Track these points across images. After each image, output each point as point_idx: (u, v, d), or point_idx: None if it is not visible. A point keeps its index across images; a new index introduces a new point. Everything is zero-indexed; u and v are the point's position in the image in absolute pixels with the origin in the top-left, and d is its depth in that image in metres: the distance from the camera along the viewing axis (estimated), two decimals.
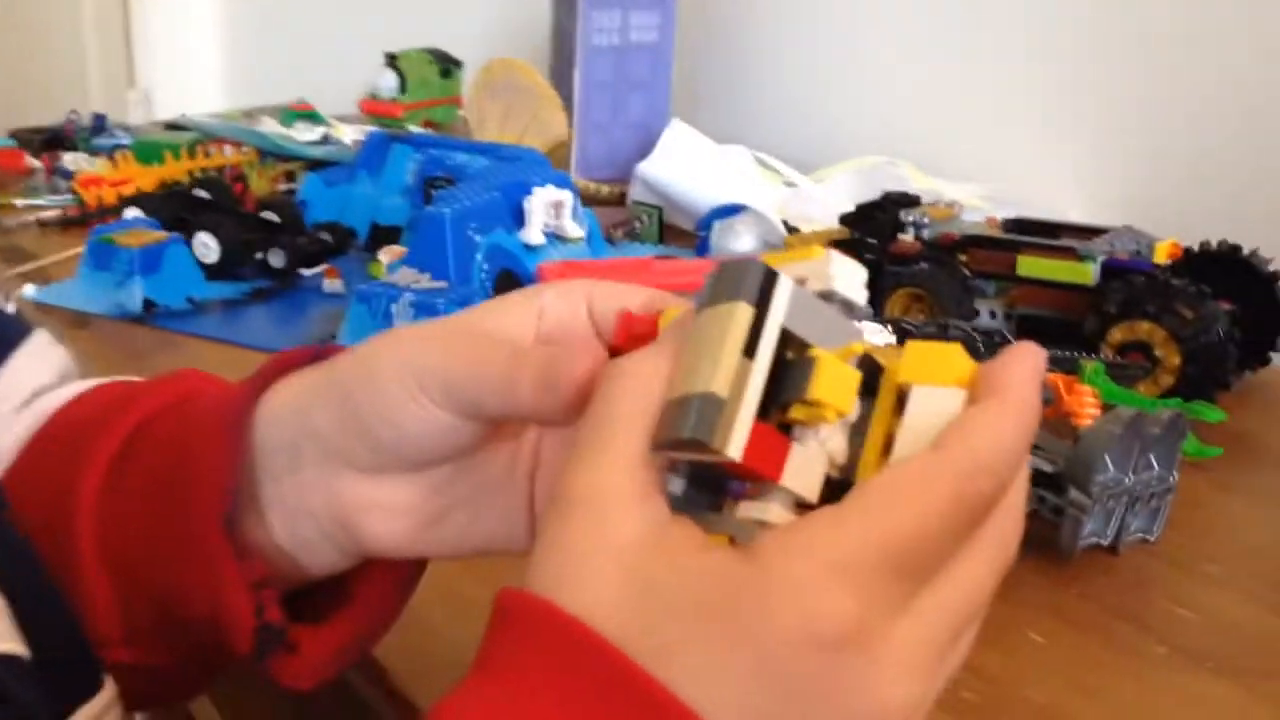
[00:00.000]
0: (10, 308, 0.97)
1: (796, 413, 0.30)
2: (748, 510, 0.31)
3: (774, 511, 0.30)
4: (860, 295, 0.33)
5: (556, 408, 0.36)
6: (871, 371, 0.32)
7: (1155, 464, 0.62)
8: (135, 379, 0.52)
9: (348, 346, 0.43)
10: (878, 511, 0.29)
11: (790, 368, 0.31)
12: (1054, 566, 0.60)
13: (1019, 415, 0.30)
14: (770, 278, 0.31)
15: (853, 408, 0.31)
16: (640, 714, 0.28)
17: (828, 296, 0.32)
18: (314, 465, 0.41)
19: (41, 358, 0.51)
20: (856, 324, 0.32)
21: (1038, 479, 0.60)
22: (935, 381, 0.31)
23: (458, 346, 0.38)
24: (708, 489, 0.32)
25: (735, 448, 0.29)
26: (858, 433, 0.32)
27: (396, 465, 0.40)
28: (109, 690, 0.41)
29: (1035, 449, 0.63)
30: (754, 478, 0.31)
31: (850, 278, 0.33)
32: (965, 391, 0.30)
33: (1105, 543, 0.61)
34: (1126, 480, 0.60)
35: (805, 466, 0.31)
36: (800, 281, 0.32)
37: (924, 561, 0.29)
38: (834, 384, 0.30)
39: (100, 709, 0.41)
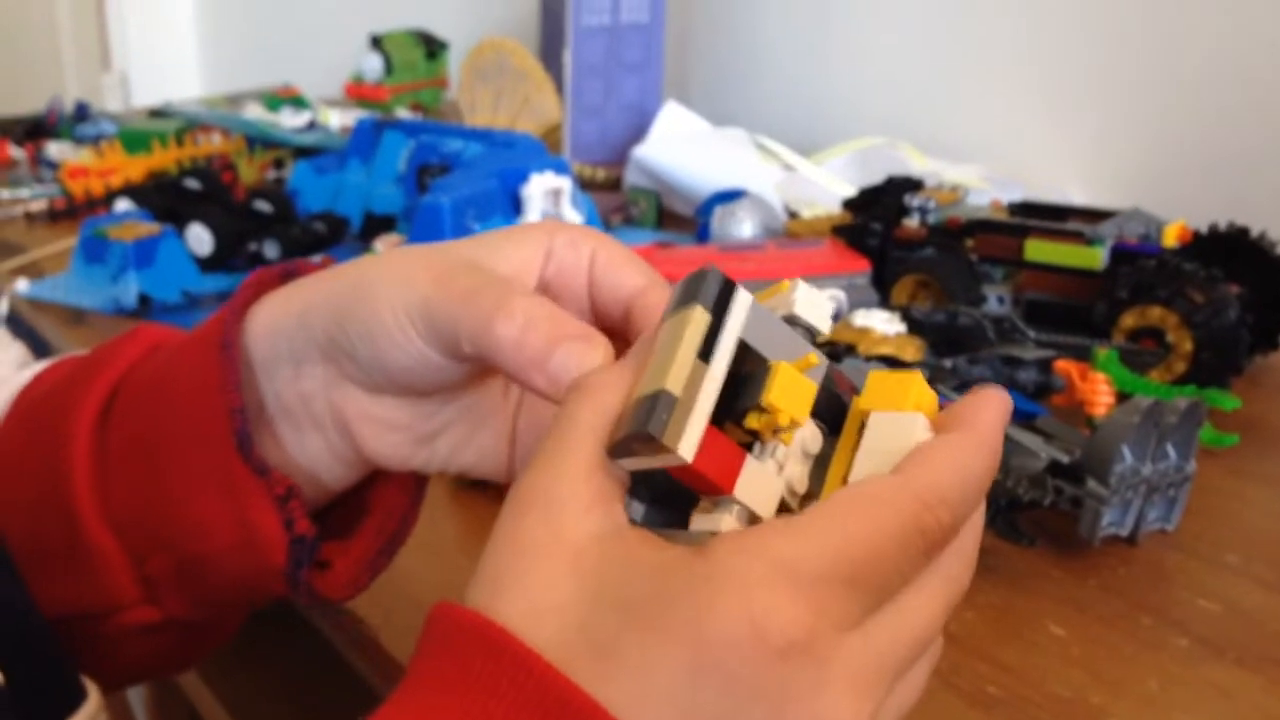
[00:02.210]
0: (3, 305, 0.96)
1: (752, 420, 0.30)
2: (699, 523, 0.31)
3: (726, 523, 0.30)
4: (824, 324, 0.33)
5: (539, 385, 0.35)
6: (837, 408, 0.32)
7: (1172, 453, 0.61)
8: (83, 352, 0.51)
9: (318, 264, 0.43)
10: (836, 522, 0.28)
11: (747, 380, 0.31)
12: (1073, 558, 0.60)
13: (985, 453, 0.30)
14: (728, 287, 0.31)
15: (807, 417, 0.31)
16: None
17: (790, 320, 0.32)
18: (316, 374, 0.41)
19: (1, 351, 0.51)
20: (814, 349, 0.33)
21: (1054, 469, 0.60)
22: (894, 408, 0.31)
23: (452, 280, 0.37)
24: (667, 513, 0.32)
25: (687, 447, 0.29)
26: (820, 465, 0.32)
27: (386, 388, 0.41)
28: (94, 700, 0.41)
29: (1049, 438, 0.63)
30: (707, 488, 0.30)
31: (815, 306, 0.33)
32: (924, 417, 0.31)
33: (1124, 533, 0.61)
34: (1144, 470, 0.60)
35: (760, 481, 0.31)
36: None
37: (878, 581, 0.29)
38: (788, 390, 0.30)
39: (86, 718, 0.41)
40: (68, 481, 0.43)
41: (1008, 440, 0.60)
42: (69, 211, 1.20)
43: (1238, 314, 0.73)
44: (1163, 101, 1.13)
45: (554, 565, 0.30)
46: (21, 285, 0.97)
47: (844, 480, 0.31)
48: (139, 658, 0.46)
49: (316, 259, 1.03)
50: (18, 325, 1.02)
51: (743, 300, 0.31)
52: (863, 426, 0.31)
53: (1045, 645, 0.54)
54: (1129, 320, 0.76)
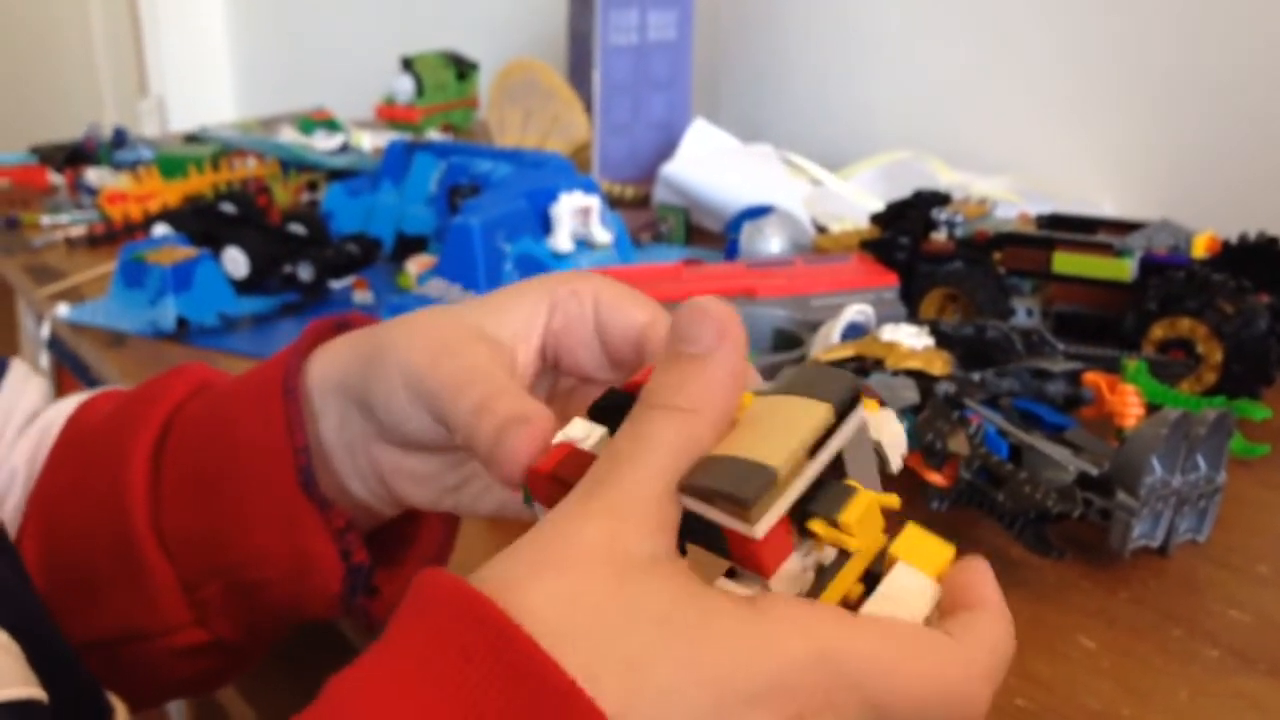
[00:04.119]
0: (45, 329, 0.97)
1: (816, 526, 0.32)
2: (726, 585, 0.32)
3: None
4: (897, 461, 0.35)
5: (499, 476, 0.37)
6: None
7: (1202, 464, 0.61)
8: (124, 386, 0.55)
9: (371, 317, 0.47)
10: (893, 643, 0.30)
11: (826, 487, 0.32)
12: (1103, 570, 0.60)
13: (1011, 631, 0.33)
14: (855, 398, 0.32)
15: (871, 550, 0.33)
16: (536, 699, 0.27)
17: (875, 446, 0.35)
18: (356, 431, 0.44)
19: (27, 384, 0.54)
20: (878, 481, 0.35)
21: (1084, 482, 0.60)
22: (917, 565, 0.33)
23: (448, 363, 0.39)
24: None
25: (762, 528, 0.30)
26: (826, 575, 0.33)
27: (413, 446, 0.44)
28: (121, 718, 0.43)
29: (1078, 450, 0.63)
30: (751, 565, 0.31)
31: (896, 443, 0.35)
32: (938, 586, 0.33)
33: (1155, 545, 0.61)
34: (1174, 482, 0.60)
35: (792, 577, 0.32)
36: None
37: (901, 713, 0.30)
38: (865, 517, 0.32)
39: None
40: (126, 509, 0.45)
41: (1037, 453, 0.60)
42: (108, 237, 1.22)
43: (1268, 324, 0.73)
44: (1191, 112, 1.12)
45: (601, 568, 0.29)
46: (62, 309, 0.99)
47: (841, 600, 0.32)
48: (181, 676, 0.48)
49: (351, 277, 1.05)
50: (60, 348, 1.04)
51: (858, 414, 0.33)
52: (879, 560, 0.33)
53: (1075, 657, 0.54)
54: (1158, 332, 0.76)
